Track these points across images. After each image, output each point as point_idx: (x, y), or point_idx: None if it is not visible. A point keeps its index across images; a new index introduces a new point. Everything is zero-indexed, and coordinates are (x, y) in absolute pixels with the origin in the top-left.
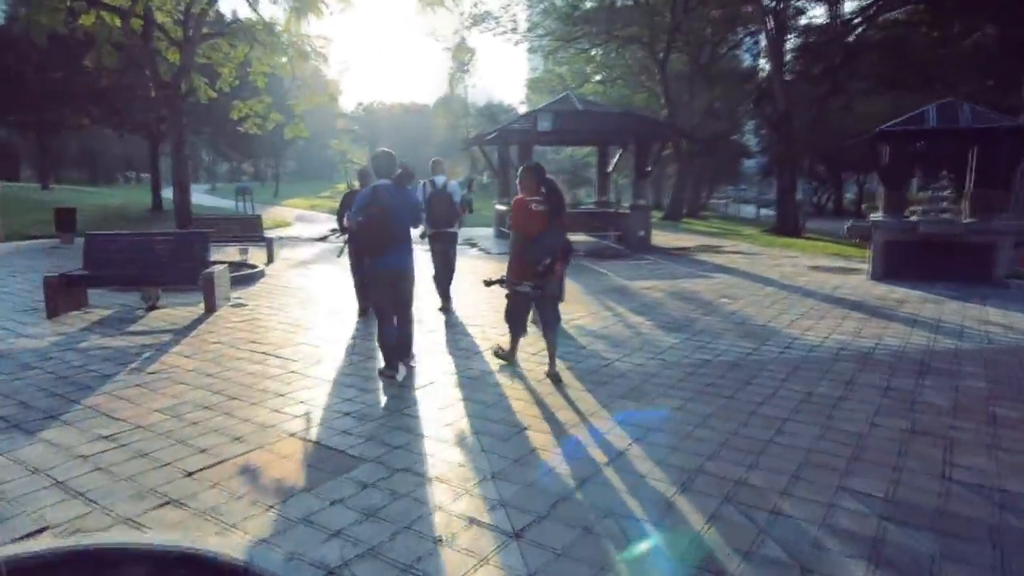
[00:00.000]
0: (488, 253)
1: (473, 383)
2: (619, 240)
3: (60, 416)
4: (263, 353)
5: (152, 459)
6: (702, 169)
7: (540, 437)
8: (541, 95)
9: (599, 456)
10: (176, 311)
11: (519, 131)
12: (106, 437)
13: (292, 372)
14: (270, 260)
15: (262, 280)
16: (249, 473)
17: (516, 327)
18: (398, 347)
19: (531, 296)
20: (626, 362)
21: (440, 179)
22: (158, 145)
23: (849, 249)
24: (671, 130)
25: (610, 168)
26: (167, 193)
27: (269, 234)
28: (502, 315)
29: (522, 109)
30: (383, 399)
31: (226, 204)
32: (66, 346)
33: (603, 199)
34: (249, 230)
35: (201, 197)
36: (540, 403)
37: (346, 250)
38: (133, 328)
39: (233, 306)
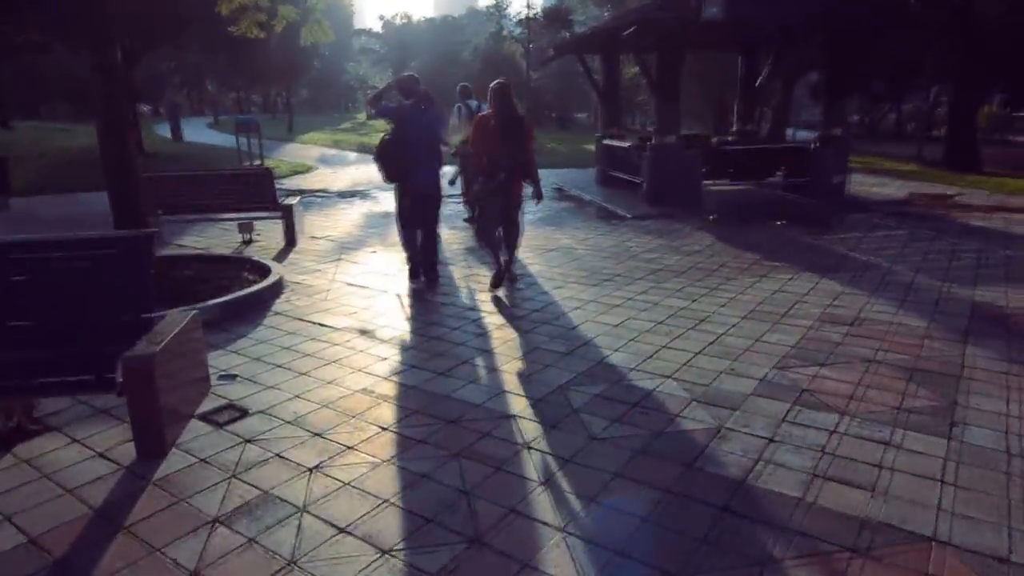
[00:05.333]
0: (622, 220)
1: None
2: (795, 188)
3: None
4: None
5: None
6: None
7: None
8: (590, 8)
9: None
10: (68, 451)
11: (661, 23)
12: None
13: None
14: (289, 243)
15: (278, 303)
16: None
17: (489, 243)
18: (423, 254)
19: (479, 196)
20: None
21: (474, 103)
22: (132, 65)
23: None
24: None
25: (759, 81)
26: (164, 130)
27: (283, 186)
28: None
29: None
30: None
31: (229, 143)
32: None
33: (748, 128)
34: (254, 192)
35: (200, 133)
36: None
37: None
38: None
39: (209, 417)
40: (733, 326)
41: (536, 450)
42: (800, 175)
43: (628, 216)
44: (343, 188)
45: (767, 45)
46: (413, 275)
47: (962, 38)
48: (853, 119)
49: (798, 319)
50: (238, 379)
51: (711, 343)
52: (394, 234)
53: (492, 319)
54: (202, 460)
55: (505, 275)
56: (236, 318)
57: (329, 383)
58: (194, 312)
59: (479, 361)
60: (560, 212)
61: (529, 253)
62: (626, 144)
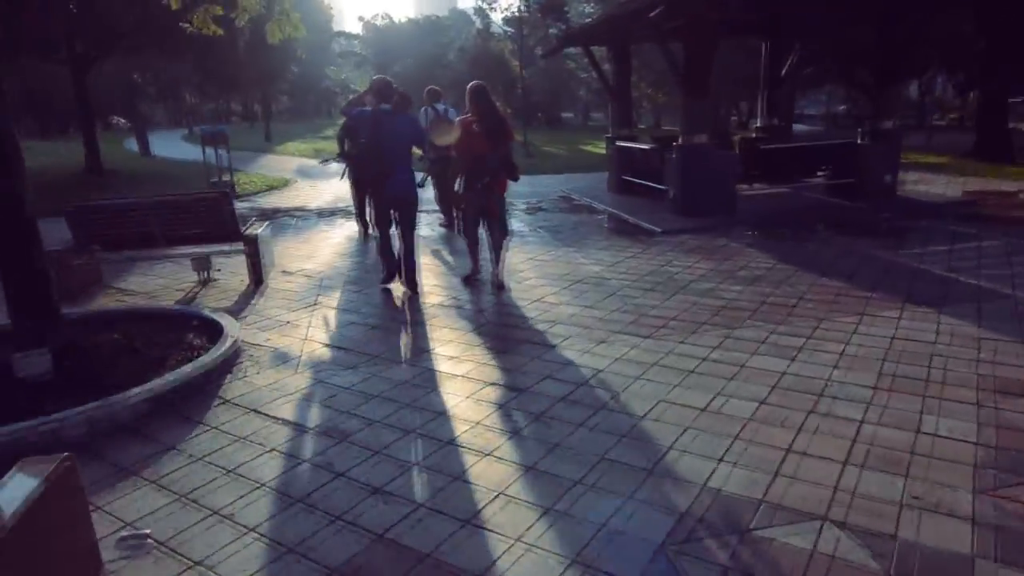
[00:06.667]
0: (650, 236)
1: None
2: (839, 190)
3: None
4: None
5: None
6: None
7: None
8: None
9: None
10: None
11: (693, 2)
12: None
13: None
14: (257, 281)
15: (229, 383)
16: None
17: (469, 237)
18: (404, 269)
19: (462, 197)
20: None
21: (441, 106)
22: (85, 71)
23: None
24: None
25: (784, 71)
26: (132, 145)
27: (256, 205)
28: None
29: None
30: None
31: (200, 156)
32: None
33: (772, 123)
34: (210, 221)
35: (172, 146)
36: None
37: (347, 172)
38: None
39: None
40: (870, 405)
41: None
42: (845, 175)
43: (658, 230)
44: (324, 205)
45: (802, 29)
46: (387, 279)
47: (977, 13)
48: (840, 109)
49: (954, 389)
50: (149, 544)
51: (854, 441)
52: (360, 255)
53: (524, 402)
54: None
55: (493, 283)
56: (167, 413)
57: (290, 553)
58: (63, 457)
59: (519, 489)
60: (576, 226)
61: (552, 286)
62: (646, 146)
